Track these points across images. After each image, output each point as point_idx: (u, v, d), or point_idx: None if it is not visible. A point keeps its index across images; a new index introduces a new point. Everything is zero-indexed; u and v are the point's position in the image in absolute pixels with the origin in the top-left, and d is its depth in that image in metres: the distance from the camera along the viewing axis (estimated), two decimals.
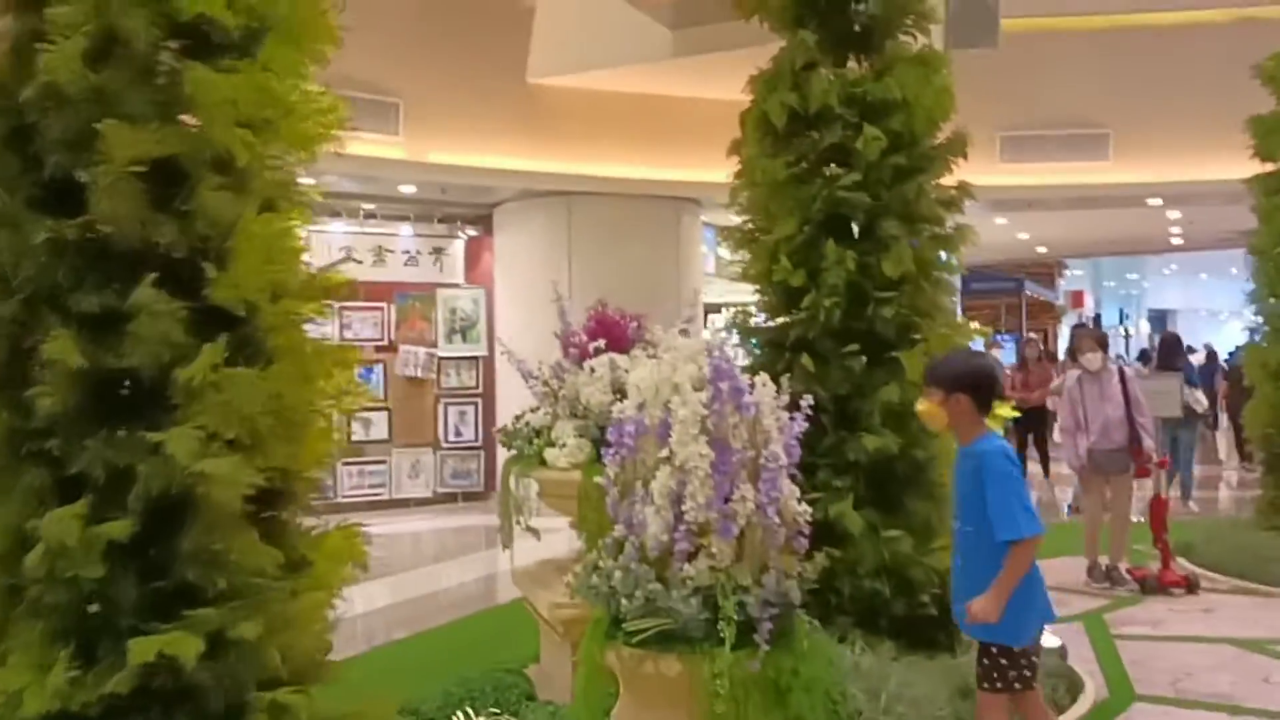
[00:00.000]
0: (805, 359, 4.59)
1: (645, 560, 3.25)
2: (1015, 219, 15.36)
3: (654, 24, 9.97)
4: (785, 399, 3.48)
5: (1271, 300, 7.53)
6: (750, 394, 3.43)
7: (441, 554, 9.53)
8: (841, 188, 4.59)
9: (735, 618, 2.93)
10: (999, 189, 12.82)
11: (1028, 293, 24.00)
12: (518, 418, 4.45)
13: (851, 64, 4.88)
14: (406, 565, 8.56)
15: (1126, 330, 40.21)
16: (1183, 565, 7.18)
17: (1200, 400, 9.48)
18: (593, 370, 4.21)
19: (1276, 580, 6.64)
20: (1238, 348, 11.06)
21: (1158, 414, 9.58)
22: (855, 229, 4.73)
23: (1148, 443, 6.63)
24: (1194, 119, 11.62)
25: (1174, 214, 15.12)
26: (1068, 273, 32.22)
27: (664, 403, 3.46)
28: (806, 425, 3.51)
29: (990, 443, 3.29)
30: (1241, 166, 8.00)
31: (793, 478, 3.67)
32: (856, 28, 4.81)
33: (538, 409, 4.41)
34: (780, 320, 4.83)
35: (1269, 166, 7.81)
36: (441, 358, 11.81)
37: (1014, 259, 22.95)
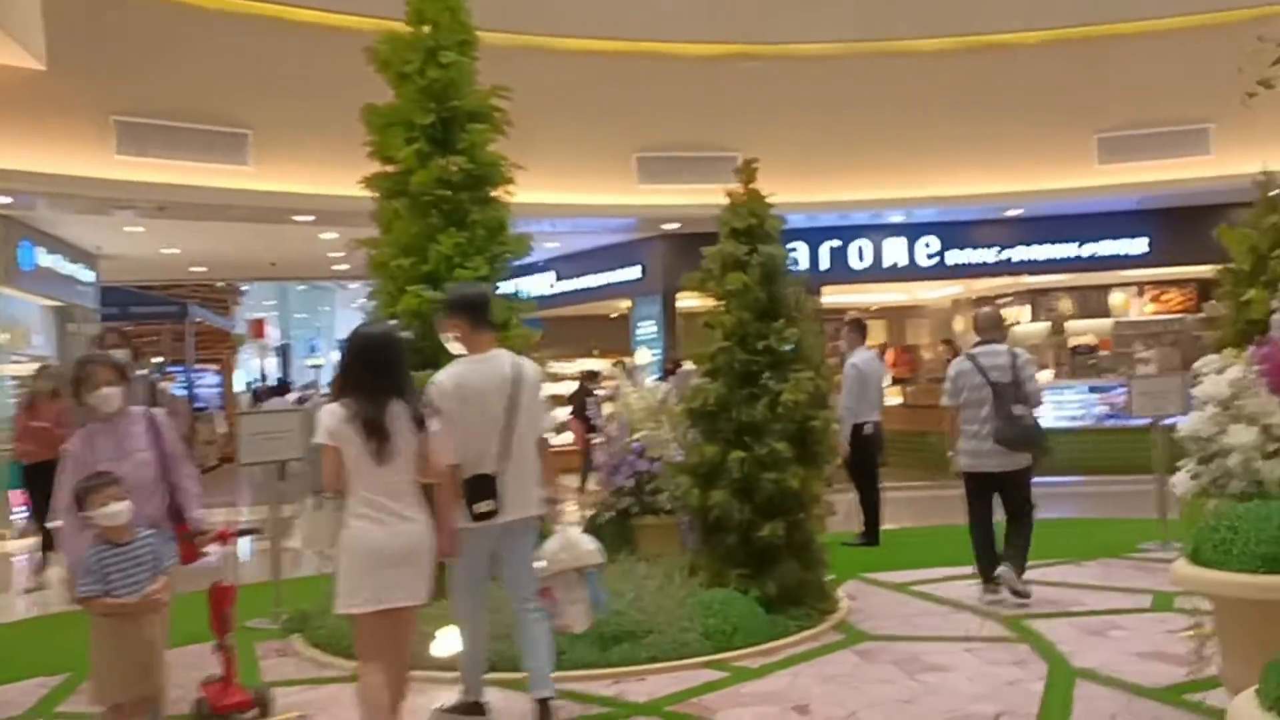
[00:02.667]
0: None
1: None
2: (153, 229, 12.97)
3: None
4: None
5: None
6: None
7: None
8: None
9: None
10: (111, 184, 10.40)
11: (197, 319, 21.69)
12: None
13: None
14: None
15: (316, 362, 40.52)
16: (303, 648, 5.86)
17: None
18: None
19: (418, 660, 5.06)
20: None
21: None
22: None
23: (196, 512, 4.56)
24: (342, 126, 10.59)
25: (329, 235, 14.23)
26: (250, 300, 30.85)
27: None
28: None
29: None
30: None
31: None
32: None
33: None
34: None
35: (389, 167, 6.79)
36: None
37: (178, 279, 20.57)
